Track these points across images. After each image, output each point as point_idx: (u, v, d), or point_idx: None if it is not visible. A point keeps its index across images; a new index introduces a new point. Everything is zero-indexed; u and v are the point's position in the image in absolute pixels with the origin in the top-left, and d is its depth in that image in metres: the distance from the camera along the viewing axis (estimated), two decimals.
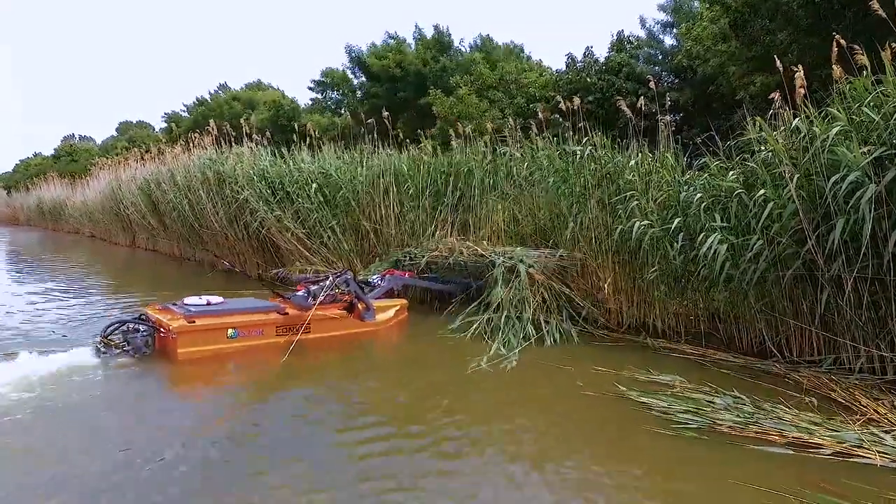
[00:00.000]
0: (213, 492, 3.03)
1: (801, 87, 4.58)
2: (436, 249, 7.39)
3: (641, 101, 6.37)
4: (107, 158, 22.91)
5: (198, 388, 4.98)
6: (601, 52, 13.99)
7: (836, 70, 4.44)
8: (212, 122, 12.44)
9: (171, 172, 12.73)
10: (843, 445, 3.36)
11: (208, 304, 5.60)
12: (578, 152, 6.65)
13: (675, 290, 5.78)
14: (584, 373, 4.93)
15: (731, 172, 5.27)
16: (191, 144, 12.92)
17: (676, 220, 5.43)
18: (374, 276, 7.13)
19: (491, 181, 8.20)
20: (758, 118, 5.16)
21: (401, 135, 9.80)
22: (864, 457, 3.26)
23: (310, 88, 23.86)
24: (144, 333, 5.33)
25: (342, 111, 19.83)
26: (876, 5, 4.35)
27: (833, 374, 4.49)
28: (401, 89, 19.59)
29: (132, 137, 36.41)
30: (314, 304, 5.91)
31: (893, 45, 4.22)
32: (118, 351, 5.24)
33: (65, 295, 8.88)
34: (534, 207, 7.45)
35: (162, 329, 5.35)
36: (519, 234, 7.53)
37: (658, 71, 13.70)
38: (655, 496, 3.04)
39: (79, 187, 23.35)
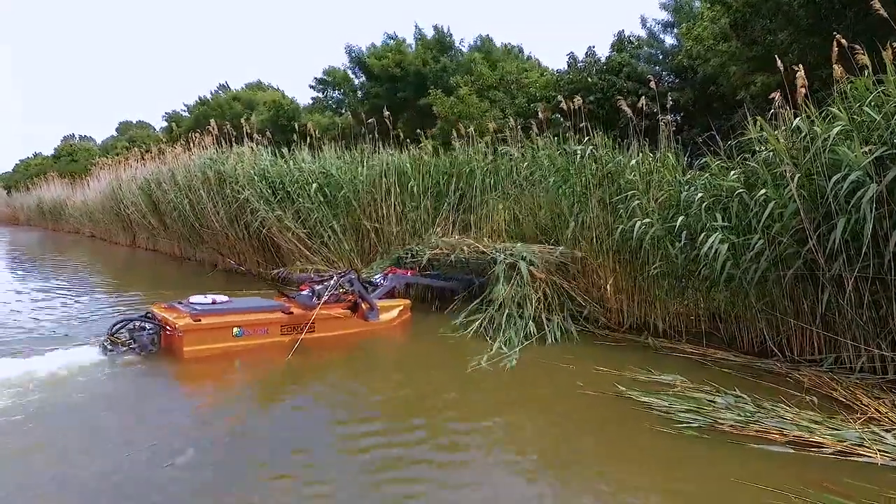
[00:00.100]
0: (213, 491, 3.03)
1: (802, 86, 4.58)
2: (437, 248, 7.39)
3: (642, 100, 6.38)
4: (107, 158, 22.92)
5: (202, 387, 4.99)
6: (603, 52, 14.01)
7: (837, 70, 4.44)
8: (212, 121, 12.45)
9: (171, 172, 12.73)
10: (845, 444, 3.37)
11: (214, 302, 5.65)
12: (579, 152, 6.65)
13: (676, 289, 5.78)
14: (585, 372, 4.93)
15: (732, 172, 5.27)
16: (191, 144, 12.94)
17: (680, 219, 5.43)
18: (377, 276, 7.14)
19: (492, 181, 8.21)
20: (758, 118, 5.16)
21: (401, 135, 9.79)
22: (865, 455, 3.26)
23: (311, 87, 23.84)
24: (151, 331, 5.38)
25: (343, 111, 19.82)
26: (877, 5, 4.35)
27: (834, 374, 4.49)
28: (401, 89, 19.59)
29: (132, 137, 36.40)
30: (318, 304, 5.93)
31: (894, 44, 4.22)
32: (124, 349, 5.28)
33: (66, 294, 8.88)
34: (534, 207, 7.46)
35: (168, 327, 5.39)
36: (520, 234, 7.54)
37: (658, 71, 13.68)
38: (656, 494, 3.05)
39: (79, 187, 23.35)
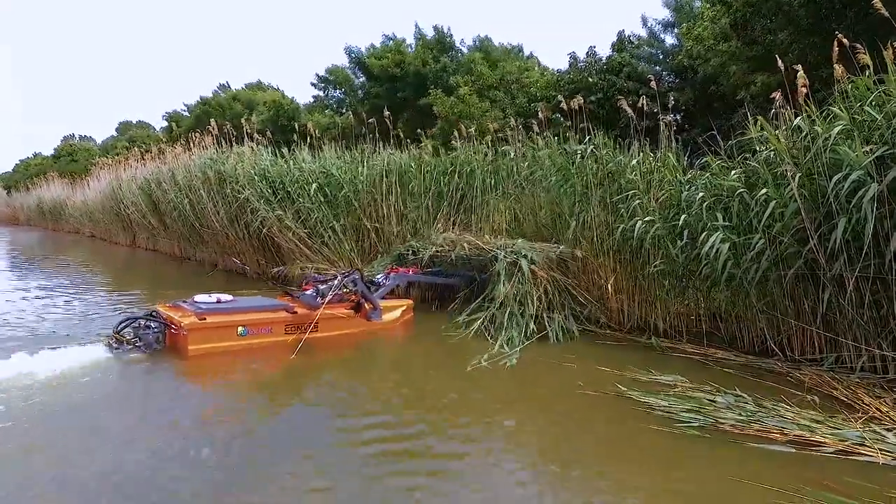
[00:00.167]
0: (213, 491, 3.02)
1: (803, 85, 4.58)
2: (438, 244, 7.38)
3: (643, 100, 6.38)
4: (107, 158, 22.92)
5: (205, 386, 4.98)
6: (604, 52, 14.01)
7: (839, 69, 4.44)
8: (212, 121, 12.45)
9: (171, 172, 12.73)
10: (846, 443, 3.36)
11: (218, 301, 5.68)
12: (580, 151, 6.65)
13: (677, 288, 5.78)
14: (586, 371, 4.93)
15: (733, 172, 5.26)
16: (191, 144, 12.93)
17: (683, 217, 5.43)
18: (380, 276, 7.15)
19: (492, 181, 8.21)
20: (759, 117, 5.16)
21: (401, 134, 9.79)
22: (866, 455, 3.26)
23: (313, 84, 23.79)
24: (156, 330, 5.42)
25: (344, 110, 19.80)
26: (878, 4, 4.34)
27: (835, 373, 4.49)
28: (400, 89, 19.60)
29: (132, 137, 36.40)
30: (322, 304, 5.94)
31: (895, 44, 4.22)
32: (129, 347, 5.31)
33: (66, 294, 8.87)
34: (535, 207, 7.46)
35: (173, 326, 5.41)
36: (520, 234, 7.54)
37: (659, 71, 13.68)
38: (657, 494, 3.04)
39: (79, 187, 23.35)
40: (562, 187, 6.80)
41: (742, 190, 5.03)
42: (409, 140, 9.70)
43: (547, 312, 6.13)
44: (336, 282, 6.16)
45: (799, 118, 4.71)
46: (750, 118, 5.27)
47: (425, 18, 48.28)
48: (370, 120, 9.70)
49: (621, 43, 14.19)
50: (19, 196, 36.47)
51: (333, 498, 3.00)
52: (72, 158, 36.30)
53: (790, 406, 3.88)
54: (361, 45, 22.51)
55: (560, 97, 7.59)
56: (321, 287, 6.09)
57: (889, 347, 4.30)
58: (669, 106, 6.39)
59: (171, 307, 5.73)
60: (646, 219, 5.73)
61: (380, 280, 7.02)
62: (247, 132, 11.10)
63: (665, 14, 14.74)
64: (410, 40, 21.35)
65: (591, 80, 12.97)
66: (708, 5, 11.11)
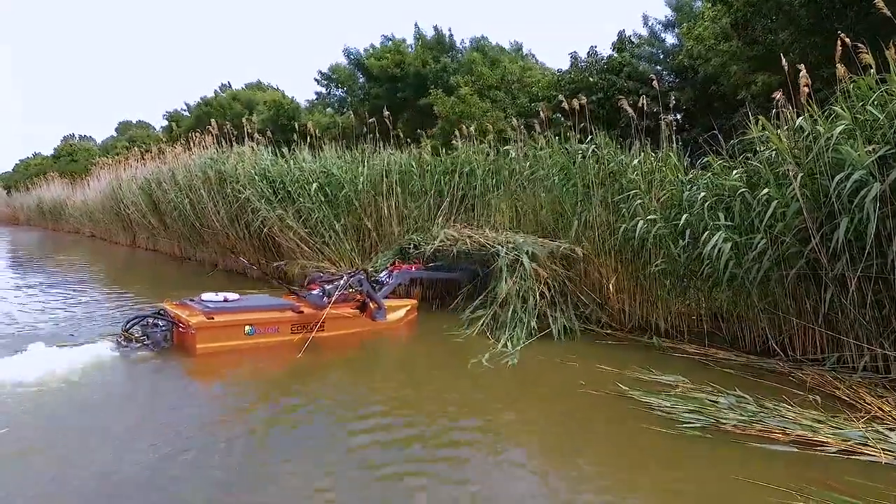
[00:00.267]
0: (214, 492, 3.01)
1: (805, 85, 4.58)
2: (439, 240, 7.36)
3: (643, 100, 6.38)
4: (107, 158, 22.90)
5: (211, 385, 4.99)
6: (605, 52, 13.98)
7: (841, 68, 4.43)
8: (213, 121, 12.44)
9: (171, 172, 12.72)
10: (848, 443, 3.36)
11: (225, 300, 5.70)
12: (582, 151, 6.65)
13: (678, 288, 5.78)
14: (587, 371, 4.93)
15: (735, 171, 5.26)
16: (191, 144, 12.93)
17: (684, 217, 5.42)
18: (382, 274, 7.15)
19: (493, 180, 8.21)
20: (760, 117, 5.16)
21: (401, 134, 9.79)
22: (868, 454, 3.25)
23: (316, 80, 23.69)
24: (163, 328, 5.47)
25: (345, 109, 19.76)
26: (880, 3, 4.34)
27: (837, 373, 4.49)
28: (400, 90, 19.57)
29: (132, 137, 36.38)
30: (329, 303, 5.95)
31: None
32: (138, 345, 5.36)
33: (67, 294, 8.86)
34: (536, 206, 7.45)
35: (181, 324, 5.44)
36: (521, 233, 7.52)
37: (659, 70, 13.66)
38: (657, 494, 3.04)
39: (79, 187, 23.34)
40: (564, 186, 6.80)
41: (744, 190, 5.03)
42: (408, 140, 9.69)
43: (550, 310, 6.13)
44: (342, 282, 6.19)
45: (801, 118, 4.70)
46: (751, 118, 5.27)
47: (425, 19, 48.44)
48: (370, 120, 9.69)
49: (622, 42, 14.16)
50: (19, 196, 36.45)
51: (335, 498, 2.99)
52: (72, 158, 36.27)
53: (792, 406, 3.88)
54: (360, 47, 22.48)
55: (561, 97, 7.59)
56: (327, 287, 6.11)
57: (891, 347, 4.29)
58: (670, 105, 6.39)
59: (179, 305, 5.76)
60: (647, 218, 5.72)
61: (382, 279, 7.03)
62: (247, 132, 11.09)
63: (666, 13, 14.73)
64: (410, 41, 21.36)
65: (591, 79, 12.95)
66: (709, 5, 11.09)
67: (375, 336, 6.32)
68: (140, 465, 3.26)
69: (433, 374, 5.20)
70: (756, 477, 3.08)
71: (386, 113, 9.70)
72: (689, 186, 5.71)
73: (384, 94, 19.71)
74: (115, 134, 45.03)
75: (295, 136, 10.69)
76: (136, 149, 18.51)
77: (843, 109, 4.44)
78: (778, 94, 4.96)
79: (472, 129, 9.23)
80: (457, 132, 9.26)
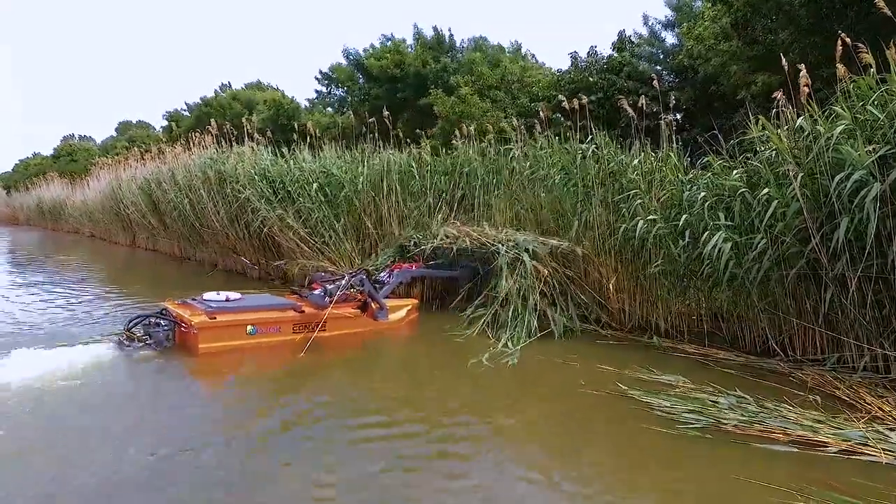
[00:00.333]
0: (214, 492, 3.01)
1: (805, 85, 4.58)
2: (440, 237, 7.35)
3: (643, 100, 6.37)
4: (107, 158, 22.89)
5: (213, 385, 4.99)
6: (604, 51, 13.97)
7: (841, 68, 4.43)
8: (213, 121, 12.43)
9: (171, 172, 12.71)
10: (848, 443, 3.36)
11: (227, 300, 5.71)
12: (582, 151, 6.65)
13: (678, 288, 5.78)
14: (587, 371, 4.93)
15: (735, 171, 5.26)
16: (191, 144, 12.92)
17: (684, 216, 5.42)
18: (383, 274, 7.15)
19: (494, 181, 8.21)
20: (760, 117, 5.16)
21: (401, 134, 9.78)
22: (869, 454, 3.25)
23: (316, 79, 23.69)
24: (166, 328, 5.48)
25: (346, 109, 19.75)
26: (881, 3, 4.34)
27: (837, 373, 4.48)
28: (400, 90, 19.56)
29: (132, 137, 36.37)
30: (330, 303, 5.95)
31: None
32: (140, 344, 5.37)
33: (68, 293, 8.87)
34: (536, 206, 7.45)
35: (183, 324, 5.45)
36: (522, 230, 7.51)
37: (659, 70, 13.65)
38: (657, 494, 3.04)
39: (79, 187, 23.33)
40: (564, 186, 6.80)
41: (744, 189, 5.02)
42: (408, 140, 9.68)
43: (550, 309, 6.13)
44: (343, 281, 6.19)
45: (801, 118, 4.70)
46: (751, 118, 5.27)
47: (424, 19, 48.43)
48: (370, 120, 9.69)
49: (622, 42, 14.15)
50: (19, 196, 36.44)
51: (335, 498, 2.99)
52: (71, 158, 36.28)
53: (792, 406, 3.88)
54: (360, 47, 22.47)
55: (561, 97, 7.59)
56: (329, 287, 6.12)
57: (891, 347, 4.29)
58: (670, 105, 6.39)
59: (181, 305, 5.77)
60: (647, 218, 5.72)
61: (383, 278, 7.03)
62: (247, 132, 11.08)
63: (666, 13, 14.71)
64: (410, 41, 21.35)
65: (591, 79, 12.94)
66: (709, 5, 11.09)
67: (377, 336, 6.33)
68: (140, 465, 3.25)
69: (434, 374, 5.21)
70: (756, 477, 3.07)
71: (386, 113, 9.69)
72: (689, 186, 5.71)
73: (384, 94, 19.69)
74: (114, 134, 45.03)
75: (295, 136, 10.68)
76: (135, 149, 18.50)
77: (843, 109, 4.44)
78: (778, 94, 4.96)
79: (472, 129, 9.23)
80: (457, 132, 9.26)
